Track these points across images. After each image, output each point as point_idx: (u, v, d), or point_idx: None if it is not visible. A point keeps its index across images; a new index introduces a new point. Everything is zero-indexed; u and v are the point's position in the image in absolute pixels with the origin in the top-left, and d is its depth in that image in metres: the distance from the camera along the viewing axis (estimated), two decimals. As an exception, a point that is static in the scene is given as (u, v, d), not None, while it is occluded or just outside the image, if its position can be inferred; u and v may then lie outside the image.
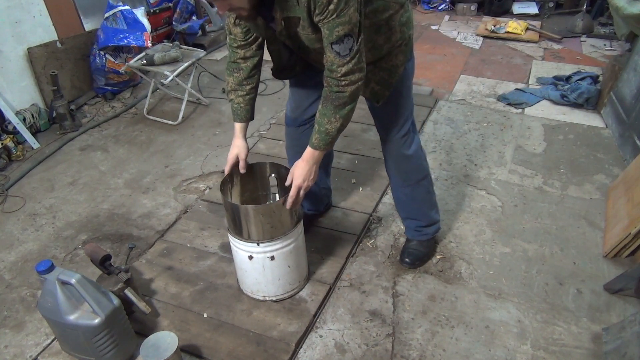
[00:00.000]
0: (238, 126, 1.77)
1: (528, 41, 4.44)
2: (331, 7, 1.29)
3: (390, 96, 1.68)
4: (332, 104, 1.47)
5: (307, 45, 1.49)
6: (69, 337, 1.64)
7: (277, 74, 1.75)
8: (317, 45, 1.44)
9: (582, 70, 3.65)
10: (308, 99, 1.89)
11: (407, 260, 2.06)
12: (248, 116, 1.76)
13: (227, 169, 1.76)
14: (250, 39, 1.61)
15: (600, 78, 3.49)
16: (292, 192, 1.61)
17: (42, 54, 3.22)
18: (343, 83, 1.43)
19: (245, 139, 1.78)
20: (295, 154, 1.96)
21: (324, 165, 2.14)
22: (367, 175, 2.64)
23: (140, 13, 3.58)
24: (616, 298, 1.91)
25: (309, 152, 1.58)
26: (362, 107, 3.03)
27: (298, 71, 1.75)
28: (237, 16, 1.50)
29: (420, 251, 2.08)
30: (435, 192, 2.07)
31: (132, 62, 3.26)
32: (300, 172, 1.59)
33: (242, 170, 1.78)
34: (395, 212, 2.38)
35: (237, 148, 1.75)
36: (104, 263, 1.79)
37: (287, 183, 1.64)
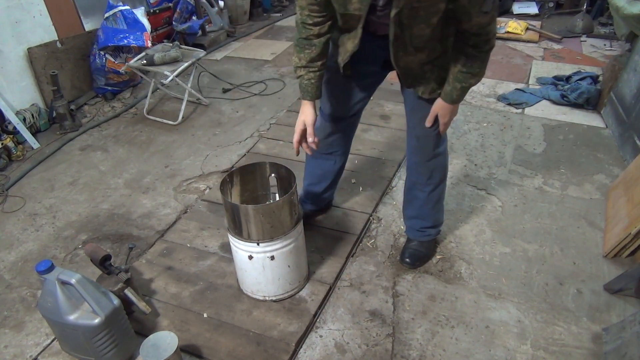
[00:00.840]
0: (309, 105, 1.71)
1: (528, 41, 4.44)
2: None
3: None
4: (480, 62, 1.51)
5: (423, 20, 1.40)
6: (69, 337, 1.64)
7: (344, 66, 1.69)
8: (434, 19, 1.40)
9: (582, 70, 3.64)
10: (354, 98, 1.87)
11: (407, 260, 2.06)
12: (319, 93, 1.72)
13: (296, 137, 1.74)
14: (328, 15, 1.55)
15: (600, 78, 3.49)
16: (442, 129, 1.72)
17: (42, 54, 3.22)
18: (493, 39, 1.46)
19: (315, 112, 1.72)
20: (317, 152, 1.93)
21: (343, 164, 2.15)
22: (367, 175, 2.64)
23: (140, 13, 3.58)
24: (616, 298, 1.91)
25: (448, 107, 1.65)
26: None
27: (347, 74, 1.73)
28: None
29: (420, 251, 2.08)
30: None
31: (132, 62, 3.26)
32: (447, 121, 1.69)
33: (309, 139, 1.72)
34: (395, 212, 2.38)
35: (307, 115, 1.70)
36: (104, 263, 1.79)
37: (428, 123, 1.72)
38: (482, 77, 1.58)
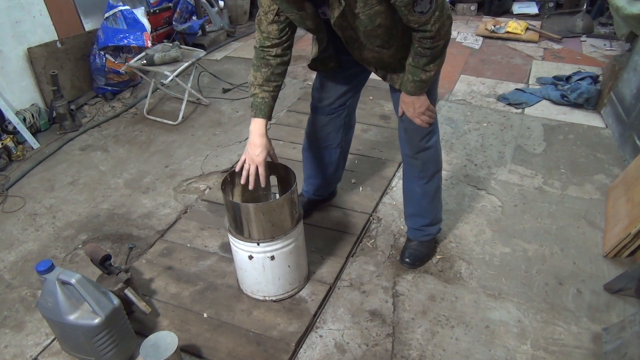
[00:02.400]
0: (260, 123, 1.68)
1: (528, 41, 4.44)
2: None
3: None
4: (426, 59, 1.52)
5: (365, 25, 1.45)
6: (69, 337, 1.64)
7: (313, 64, 1.79)
8: (378, 21, 1.43)
9: (582, 70, 3.64)
10: (337, 91, 1.92)
11: (407, 260, 2.06)
12: (270, 114, 1.72)
13: (251, 181, 1.68)
14: (285, 37, 1.62)
15: (600, 78, 3.49)
16: (417, 122, 1.72)
17: (42, 54, 3.22)
18: (437, 38, 1.45)
19: (267, 135, 1.70)
20: (314, 140, 2.07)
21: (342, 152, 2.17)
22: (367, 175, 2.64)
23: (140, 13, 3.58)
24: (616, 298, 1.91)
25: (408, 98, 1.67)
26: (362, 107, 3.03)
27: (331, 67, 1.79)
28: (285, 5, 1.47)
29: (420, 251, 2.09)
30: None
31: (132, 62, 3.26)
32: (412, 111, 1.69)
33: (262, 182, 1.70)
34: (395, 212, 2.39)
35: (266, 149, 1.67)
36: (104, 263, 1.79)
37: (399, 113, 1.75)
38: (434, 73, 1.59)
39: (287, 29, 1.61)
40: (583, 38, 4.47)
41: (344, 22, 1.47)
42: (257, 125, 1.68)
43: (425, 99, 1.70)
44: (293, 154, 2.82)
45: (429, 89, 1.72)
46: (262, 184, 1.71)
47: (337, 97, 1.94)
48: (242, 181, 1.70)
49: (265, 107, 1.68)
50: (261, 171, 1.68)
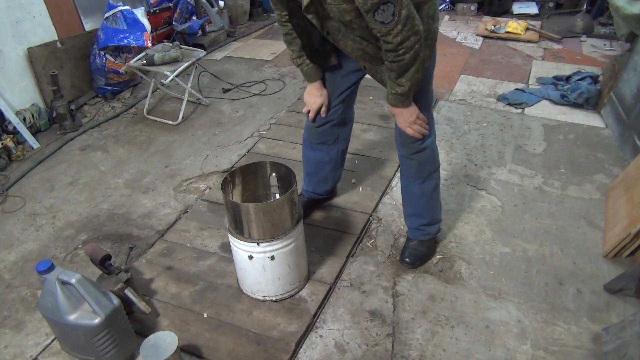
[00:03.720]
0: (315, 85, 1.87)
1: (528, 41, 4.43)
2: None
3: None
4: (395, 73, 1.52)
5: (338, 18, 1.46)
6: (69, 337, 1.64)
7: (310, 56, 1.80)
8: (347, 17, 1.42)
9: (582, 70, 3.64)
10: (334, 89, 1.94)
11: (407, 260, 2.06)
12: (321, 74, 1.86)
13: (312, 115, 1.95)
14: (287, 16, 1.66)
15: (600, 78, 3.49)
16: (409, 132, 1.73)
17: (42, 54, 3.22)
18: (400, 52, 1.44)
19: (323, 90, 1.89)
20: (312, 137, 2.10)
21: (341, 150, 2.18)
22: (367, 175, 2.64)
23: (140, 13, 3.58)
24: (616, 298, 1.91)
25: (392, 110, 1.69)
26: (362, 107, 3.04)
27: (333, 62, 1.82)
28: None
29: (420, 251, 2.09)
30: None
31: (132, 62, 3.26)
32: (402, 122, 1.71)
33: (323, 114, 1.94)
34: (395, 212, 2.39)
35: (322, 97, 1.89)
36: (104, 263, 1.79)
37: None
38: (409, 87, 1.57)
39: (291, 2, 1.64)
40: (583, 38, 4.47)
41: (319, 10, 1.48)
42: (312, 88, 1.90)
43: (414, 109, 1.69)
44: (293, 154, 2.82)
45: (420, 95, 1.71)
46: (323, 114, 1.95)
47: (335, 96, 1.95)
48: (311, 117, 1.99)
49: (313, 71, 1.84)
50: (314, 112, 1.94)
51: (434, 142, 1.89)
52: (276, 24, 5.22)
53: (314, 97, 1.91)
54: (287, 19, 1.66)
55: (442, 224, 2.17)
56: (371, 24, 1.39)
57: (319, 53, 1.79)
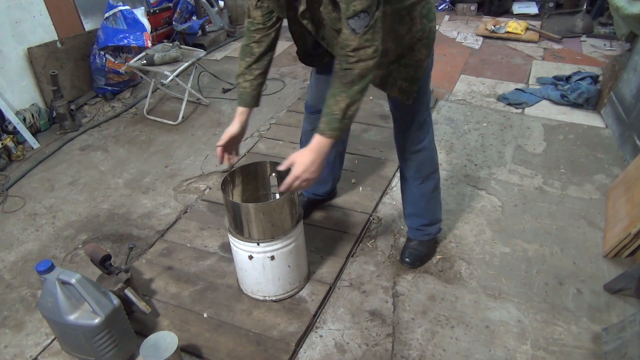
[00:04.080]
0: (240, 110, 1.73)
1: (528, 41, 4.43)
2: None
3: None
4: (339, 81, 1.41)
5: (330, 26, 1.45)
6: (69, 337, 1.64)
7: (303, 59, 1.76)
8: (339, 25, 1.40)
9: (582, 70, 3.64)
10: (322, 92, 1.89)
11: (407, 260, 2.07)
12: (252, 102, 1.73)
13: (219, 143, 1.74)
14: (269, 23, 1.62)
15: (600, 78, 3.49)
16: (289, 180, 1.52)
17: (42, 54, 3.22)
18: (352, 60, 1.37)
19: (244, 124, 1.74)
20: (309, 138, 2.00)
21: (339, 151, 2.17)
22: (367, 175, 2.64)
23: (140, 13, 3.58)
24: (616, 298, 1.91)
25: (315, 140, 1.50)
26: (362, 107, 3.03)
27: (327, 61, 1.73)
28: None
29: (420, 251, 2.09)
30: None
31: (132, 62, 3.26)
32: (302, 160, 1.50)
33: (220, 156, 1.76)
34: (395, 212, 2.39)
35: (233, 127, 1.73)
36: (104, 263, 1.79)
37: (283, 167, 1.56)
38: (344, 107, 1.43)
39: (272, 15, 1.60)
40: (583, 38, 4.47)
41: (314, 16, 1.46)
42: (237, 112, 1.74)
43: (323, 157, 1.52)
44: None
45: (420, 95, 1.70)
46: (219, 161, 1.77)
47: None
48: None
49: (246, 96, 1.71)
50: (224, 140, 1.73)
51: (431, 142, 1.88)
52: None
53: (233, 124, 1.73)
54: (260, 28, 1.62)
55: (442, 224, 2.17)
56: (343, 28, 1.35)
57: (312, 56, 1.74)
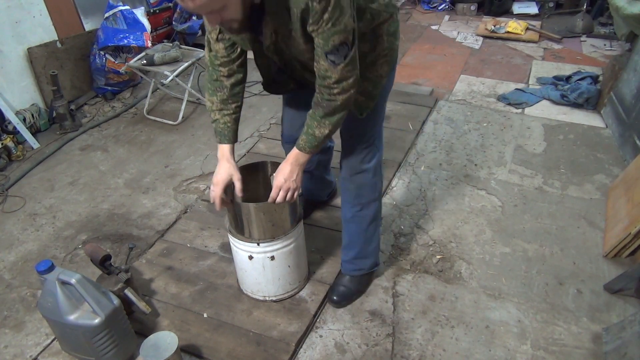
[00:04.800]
0: (227, 148, 1.63)
1: (528, 41, 4.44)
2: (326, 16, 1.22)
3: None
4: (322, 110, 1.42)
5: (296, 56, 1.43)
6: (69, 337, 1.64)
7: (268, 88, 1.69)
8: (307, 55, 1.38)
9: (582, 70, 3.64)
10: (301, 118, 1.77)
11: (334, 298, 1.91)
12: (235, 137, 1.65)
13: (218, 194, 1.60)
14: (234, 55, 1.53)
15: (600, 78, 3.49)
16: (273, 192, 1.56)
17: (42, 54, 3.22)
18: (335, 91, 1.37)
19: (234, 163, 1.63)
20: None
21: (324, 163, 2.15)
22: (367, 175, 2.63)
23: (140, 13, 3.58)
24: (616, 298, 1.91)
25: (293, 153, 1.54)
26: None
27: (292, 88, 1.69)
28: (227, 29, 1.39)
29: (350, 289, 1.93)
30: (381, 233, 1.99)
31: (132, 62, 3.26)
32: (283, 172, 1.55)
33: (239, 194, 1.64)
34: (395, 212, 2.39)
35: (228, 170, 1.61)
36: (104, 263, 1.79)
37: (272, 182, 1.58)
38: (327, 132, 1.46)
39: (235, 47, 1.52)
40: (583, 38, 4.47)
41: (279, 48, 1.42)
42: (223, 151, 1.64)
43: (301, 167, 1.56)
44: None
45: (379, 109, 1.65)
46: (217, 207, 1.63)
47: (301, 124, 1.80)
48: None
49: (229, 132, 1.63)
50: (218, 192, 1.61)
51: (377, 168, 1.75)
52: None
53: (224, 167, 1.61)
54: (226, 62, 1.54)
55: (442, 223, 2.17)
56: (321, 60, 1.33)
57: (277, 82, 1.68)
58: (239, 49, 1.54)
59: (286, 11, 1.26)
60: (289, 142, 1.94)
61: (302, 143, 1.51)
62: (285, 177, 1.55)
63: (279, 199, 1.57)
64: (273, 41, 1.38)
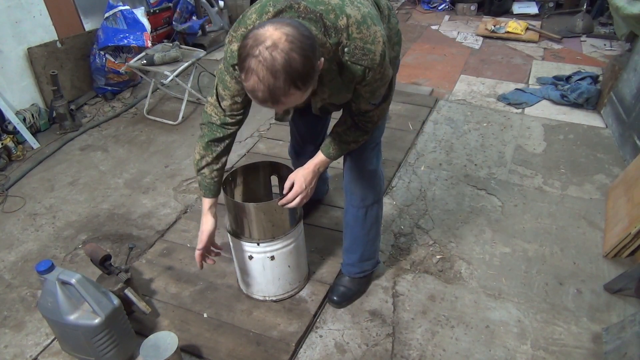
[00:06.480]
0: (209, 202, 1.66)
1: (528, 41, 4.44)
2: (378, 76, 1.34)
3: None
4: (360, 131, 1.53)
5: (334, 102, 1.48)
6: (69, 337, 1.64)
7: (281, 120, 1.66)
8: (344, 101, 1.47)
9: (582, 70, 3.65)
10: (311, 133, 1.96)
11: (335, 298, 1.92)
12: (219, 190, 1.68)
13: (200, 253, 1.68)
14: (241, 117, 1.55)
15: (600, 78, 3.49)
16: (291, 196, 1.56)
17: (42, 54, 3.22)
18: (374, 119, 1.51)
19: (215, 216, 1.68)
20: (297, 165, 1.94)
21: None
22: (367, 175, 2.63)
23: (140, 13, 3.58)
24: (616, 298, 1.91)
25: (318, 160, 1.58)
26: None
27: (292, 115, 1.69)
28: (284, 111, 1.44)
29: (351, 289, 1.94)
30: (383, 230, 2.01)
31: (132, 62, 3.26)
32: (305, 178, 1.57)
33: (209, 260, 1.73)
34: (395, 212, 2.39)
35: (212, 222, 1.67)
36: (104, 263, 1.79)
37: (285, 189, 1.59)
38: (356, 146, 1.59)
39: (246, 108, 1.55)
40: (583, 38, 4.47)
41: (325, 106, 1.51)
42: (207, 204, 1.67)
43: (316, 181, 1.62)
44: (293, 154, 2.82)
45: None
46: (199, 266, 1.71)
47: (314, 139, 1.96)
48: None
49: (215, 186, 1.64)
50: (200, 253, 1.69)
51: (380, 167, 1.77)
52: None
53: (210, 221, 1.67)
54: (240, 119, 1.55)
55: (442, 223, 2.17)
56: (362, 105, 1.44)
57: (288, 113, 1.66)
58: (250, 105, 1.54)
59: (339, 77, 1.33)
60: (300, 155, 2.02)
61: (333, 152, 1.57)
62: (307, 184, 1.58)
63: (294, 204, 1.58)
64: (325, 104, 1.47)
